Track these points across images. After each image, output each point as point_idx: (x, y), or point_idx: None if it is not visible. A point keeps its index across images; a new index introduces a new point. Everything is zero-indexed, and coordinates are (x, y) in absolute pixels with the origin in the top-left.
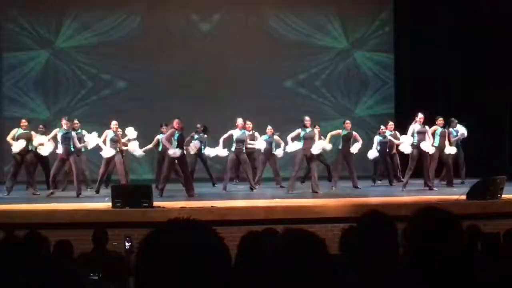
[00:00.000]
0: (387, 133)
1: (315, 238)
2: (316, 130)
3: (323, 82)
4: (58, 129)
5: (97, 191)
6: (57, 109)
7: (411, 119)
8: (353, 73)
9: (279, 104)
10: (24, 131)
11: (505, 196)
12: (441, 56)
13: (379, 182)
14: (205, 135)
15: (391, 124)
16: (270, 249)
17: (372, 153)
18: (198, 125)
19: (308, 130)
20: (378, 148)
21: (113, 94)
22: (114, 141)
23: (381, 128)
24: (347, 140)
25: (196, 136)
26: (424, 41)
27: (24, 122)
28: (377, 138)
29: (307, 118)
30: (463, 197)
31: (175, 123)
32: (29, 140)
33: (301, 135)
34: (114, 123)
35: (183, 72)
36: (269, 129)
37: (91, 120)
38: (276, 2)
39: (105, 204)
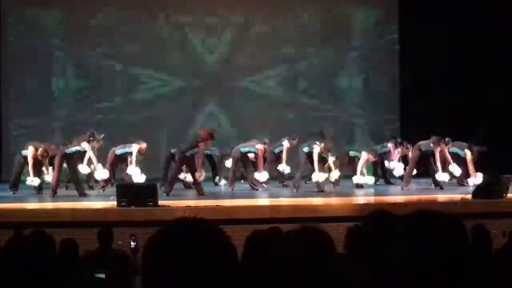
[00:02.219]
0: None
1: (323, 236)
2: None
3: (325, 85)
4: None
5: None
6: (64, 113)
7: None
8: (356, 78)
9: (275, 109)
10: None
11: (510, 195)
12: (446, 56)
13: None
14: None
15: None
16: (277, 246)
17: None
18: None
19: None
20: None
21: (120, 96)
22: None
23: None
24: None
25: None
26: (429, 42)
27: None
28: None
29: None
30: (469, 196)
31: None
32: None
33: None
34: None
35: (188, 74)
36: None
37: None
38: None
39: (110, 203)
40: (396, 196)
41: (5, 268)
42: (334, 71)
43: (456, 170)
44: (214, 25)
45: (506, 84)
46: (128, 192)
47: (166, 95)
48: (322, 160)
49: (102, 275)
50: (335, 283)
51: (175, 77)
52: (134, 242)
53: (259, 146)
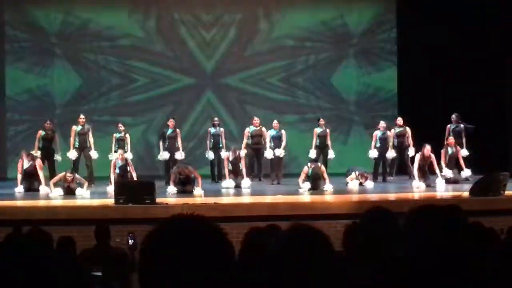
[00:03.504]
0: (397, 129)
1: (320, 234)
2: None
3: (323, 78)
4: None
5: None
6: (63, 111)
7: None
8: (355, 76)
9: (275, 101)
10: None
11: (508, 192)
12: (443, 51)
13: (391, 178)
14: (221, 129)
15: (399, 120)
16: (275, 245)
17: (372, 153)
18: (216, 119)
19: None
20: (378, 144)
21: (115, 92)
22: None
23: (381, 123)
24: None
25: (213, 130)
26: (426, 36)
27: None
28: (377, 133)
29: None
30: (466, 193)
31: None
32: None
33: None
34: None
35: (185, 69)
36: (275, 123)
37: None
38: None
39: (108, 201)
40: (394, 193)
41: (2, 266)
42: (333, 69)
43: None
44: (212, 22)
45: (505, 83)
46: (126, 190)
47: (165, 93)
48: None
49: (99, 273)
50: (333, 281)
51: (174, 75)
52: (131, 239)
53: None
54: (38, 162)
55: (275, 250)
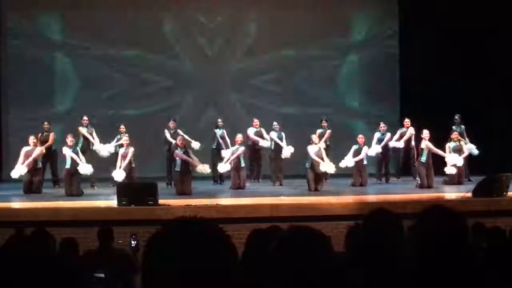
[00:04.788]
0: (403, 130)
1: (319, 235)
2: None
3: (325, 79)
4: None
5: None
6: (63, 111)
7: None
8: (355, 71)
9: (279, 101)
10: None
11: (511, 193)
12: (444, 53)
13: (396, 179)
14: (224, 131)
15: (407, 121)
16: (274, 246)
17: (374, 149)
18: (219, 120)
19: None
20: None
21: (113, 92)
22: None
23: (381, 124)
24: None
25: (217, 132)
26: (427, 40)
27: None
28: (376, 135)
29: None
30: (469, 194)
31: (178, 140)
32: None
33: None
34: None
35: (185, 70)
36: (275, 125)
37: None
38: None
39: (111, 202)
40: (396, 194)
41: (4, 267)
42: (333, 69)
43: None
44: (213, 24)
45: (505, 83)
46: (128, 191)
47: (167, 94)
48: None
49: (102, 274)
50: (332, 281)
51: (175, 76)
52: (134, 241)
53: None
54: (39, 150)
55: (273, 251)
